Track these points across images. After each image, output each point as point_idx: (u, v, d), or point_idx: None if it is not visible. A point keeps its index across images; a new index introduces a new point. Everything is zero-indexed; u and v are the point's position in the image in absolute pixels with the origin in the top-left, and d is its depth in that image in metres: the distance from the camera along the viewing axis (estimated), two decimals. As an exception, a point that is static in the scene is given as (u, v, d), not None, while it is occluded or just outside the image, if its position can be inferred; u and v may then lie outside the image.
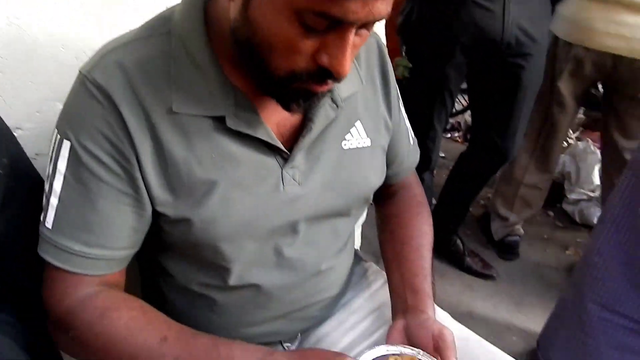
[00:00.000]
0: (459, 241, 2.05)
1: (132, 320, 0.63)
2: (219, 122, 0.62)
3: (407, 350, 0.70)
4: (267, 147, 0.66)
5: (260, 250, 0.70)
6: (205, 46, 0.61)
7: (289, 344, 0.84)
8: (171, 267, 0.74)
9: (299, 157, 0.68)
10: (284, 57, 0.54)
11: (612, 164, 1.81)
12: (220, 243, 0.66)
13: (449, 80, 1.59)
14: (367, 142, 0.75)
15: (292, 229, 0.71)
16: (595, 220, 2.26)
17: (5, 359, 0.60)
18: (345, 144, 0.72)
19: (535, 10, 1.52)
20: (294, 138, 0.68)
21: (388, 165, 0.84)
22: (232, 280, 0.71)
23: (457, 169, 1.96)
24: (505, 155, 1.77)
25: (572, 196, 2.38)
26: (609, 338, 1.17)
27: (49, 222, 0.62)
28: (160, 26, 0.63)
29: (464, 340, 0.80)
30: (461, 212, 2.04)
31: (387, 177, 0.85)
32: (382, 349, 0.69)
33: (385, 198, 0.92)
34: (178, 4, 0.64)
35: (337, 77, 0.55)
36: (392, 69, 0.81)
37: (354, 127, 0.73)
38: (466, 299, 1.91)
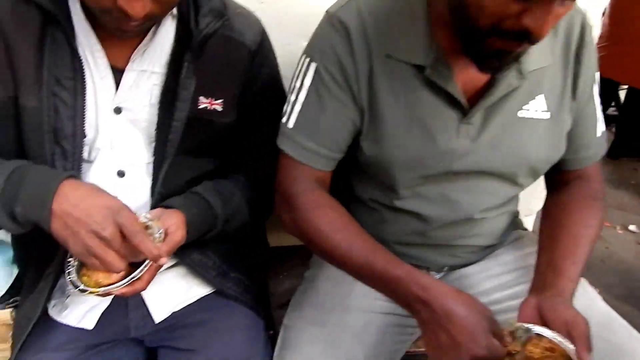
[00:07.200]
0: None
1: (333, 221, 0.80)
2: (419, 71, 0.76)
3: (548, 332, 0.69)
4: (452, 101, 0.78)
5: (425, 185, 0.84)
6: (424, 8, 0.75)
7: (434, 273, 0.97)
8: (354, 182, 0.92)
9: (477, 116, 0.79)
10: (491, 16, 0.63)
11: None
12: (395, 169, 0.82)
13: None
14: (546, 116, 0.80)
15: (457, 175, 0.83)
16: None
17: (237, 205, 0.88)
18: (521, 113, 0.79)
19: None
20: (475, 99, 0.78)
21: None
22: (398, 203, 0.86)
23: None
24: None
25: None
26: None
27: (291, 123, 0.83)
28: None
29: (607, 325, 0.81)
30: None
31: (561, 162, 0.87)
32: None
33: (558, 186, 0.93)
34: None
35: (535, 40, 0.62)
36: (592, 51, 0.82)
37: (534, 100, 0.79)
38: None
